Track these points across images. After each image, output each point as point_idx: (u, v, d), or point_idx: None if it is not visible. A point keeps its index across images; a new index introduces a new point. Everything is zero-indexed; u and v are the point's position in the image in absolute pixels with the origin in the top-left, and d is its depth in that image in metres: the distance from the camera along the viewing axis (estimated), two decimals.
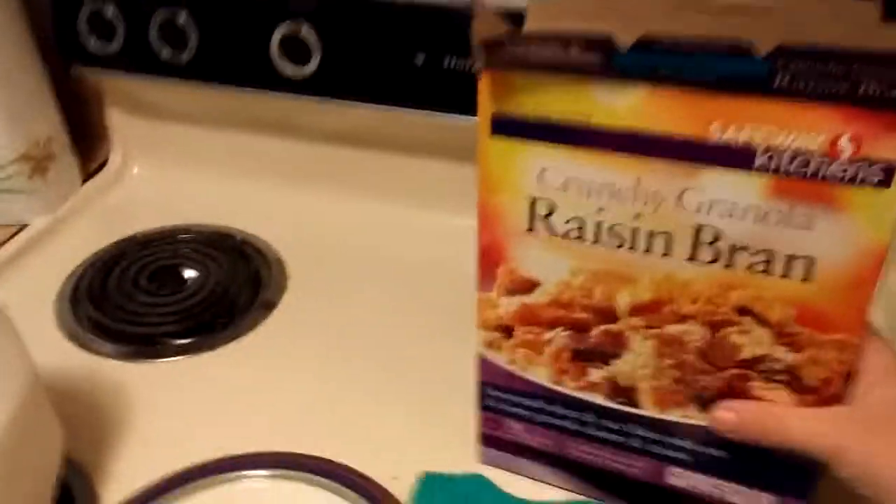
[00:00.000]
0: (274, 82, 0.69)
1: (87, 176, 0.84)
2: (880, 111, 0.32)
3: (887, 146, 0.33)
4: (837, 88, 0.32)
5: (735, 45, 0.32)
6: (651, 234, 0.39)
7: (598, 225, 0.40)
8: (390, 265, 0.71)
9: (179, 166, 0.82)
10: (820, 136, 0.33)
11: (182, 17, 0.69)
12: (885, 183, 0.33)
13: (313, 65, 0.67)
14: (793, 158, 0.34)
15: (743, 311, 0.39)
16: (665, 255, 0.39)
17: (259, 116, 0.76)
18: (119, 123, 0.83)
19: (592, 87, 0.36)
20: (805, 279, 0.37)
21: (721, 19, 0.32)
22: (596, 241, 0.40)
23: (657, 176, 0.37)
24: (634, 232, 0.39)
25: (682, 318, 0.41)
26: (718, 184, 0.36)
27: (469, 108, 0.67)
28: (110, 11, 0.70)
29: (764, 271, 0.37)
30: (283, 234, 0.74)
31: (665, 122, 0.35)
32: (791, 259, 0.37)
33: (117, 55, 0.73)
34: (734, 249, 0.37)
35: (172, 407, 0.57)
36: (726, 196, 0.36)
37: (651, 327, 0.42)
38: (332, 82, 0.68)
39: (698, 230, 0.38)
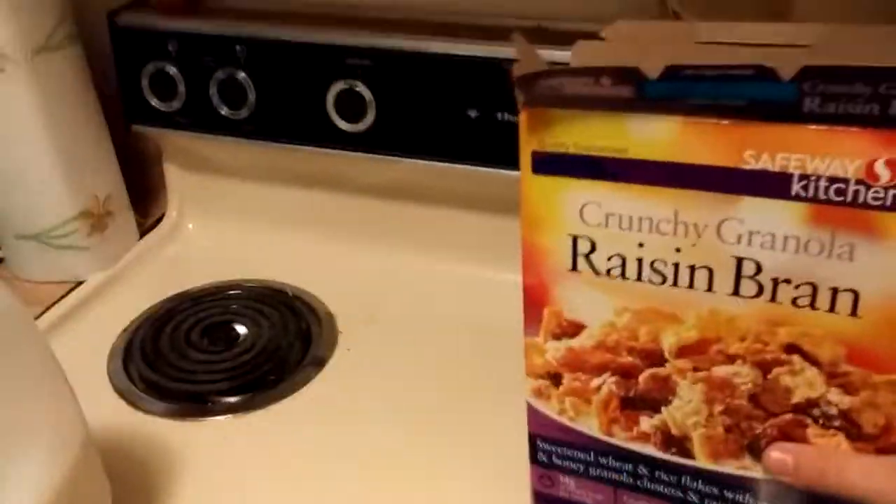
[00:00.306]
0: (329, 138, 0.74)
1: (144, 232, 0.89)
2: None
3: None
4: (868, 110, 0.33)
5: (760, 67, 0.34)
6: (693, 269, 0.40)
7: (640, 261, 0.42)
8: (439, 322, 0.74)
9: (233, 221, 0.87)
10: (855, 161, 0.35)
11: (241, 76, 0.74)
12: None
13: (368, 120, 0.71)
14: (829, 185, 0.36)
15: (791, 348, 0.40)
16: (708, 290, 0.41)
17: (312, 171, 0.81)
18: (175, 180, 0.89)
19: (627, 119, 0.39)
20: (852, 313, 0.38)
21: (748, 49, 0.34)
22: (638, 278, 0.42)
23: (695, 207, 0.39)
24: (676, 267, 0.41)
25: (731, 359, 0.42)
26: (757, 213, 0.38)
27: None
28: (172, 70, 0.77)
29: (809, 305, 0.39)
30: (334, 289, 0.78)
31: (700, 152, 0.38)
32: (835, 292, 0.38)
33: (178, 113, 0.79)
34: (777, 282, 0.39)
35: (222, 468, 0.60)
36: (765, 226, 0.38)
37: (699, 369, 0.43)
38: (385, 137, 0.72)
39: (739, 262, 0.39)
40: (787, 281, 0.39)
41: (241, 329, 0.73)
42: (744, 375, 0.42)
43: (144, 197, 0.92)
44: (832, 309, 0.38)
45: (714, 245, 0.39)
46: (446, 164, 0.72)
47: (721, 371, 0.42)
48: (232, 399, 0.66)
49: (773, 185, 0.37)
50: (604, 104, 0.39)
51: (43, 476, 0.41)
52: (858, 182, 0.35)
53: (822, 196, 0.36)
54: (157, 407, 0.67)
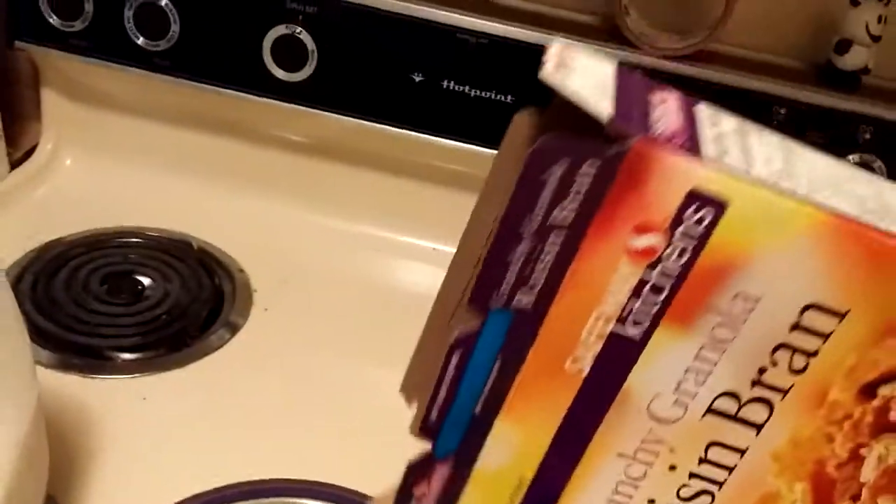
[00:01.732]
0: (260, 85, 0.69)
1: (12, 165, 0.80)
2: None
3: None
4: None
5: None
6: None
7: None
8: (354, 284, 0.71)
9: (125, 162, 0.78)
10: None
11: (164, 2, 0.68)
12: None
13: (307, 71, 0.67)
14: None
15: None
16: None
17: (231, 118, 0.75)
18: (54, 107, 0.80)
19: None
20: None
21: None
22: None
23: None
24: None
25: None
26: None
27: (462, 133, 0.70)
28: None
29: None
30: (245, 245, 0.73)
31: None
32: None
33: (79, 34, 0.70)
34: None
35: (135, 429, 0.55)
36: None
37: None
38: (322, 91, 0.69)
39: None
40: None
41: (146, 281, 0.67)
42: None
43: (13, 124, 0.82)
44: None
45: None
46: (382, 126, 0.69)
47: None
48: (139, 355, 0.61)
49: None
50: None
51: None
52: None
53: None
54: (50, 359, 0.60)
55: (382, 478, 0.51)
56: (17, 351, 0.41)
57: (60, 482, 0.49)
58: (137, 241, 0.71)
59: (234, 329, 0.65)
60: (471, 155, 0.69)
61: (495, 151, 0.31)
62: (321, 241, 0.75)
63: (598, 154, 0.27)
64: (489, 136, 0.66)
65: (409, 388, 0.36)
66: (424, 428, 0.30)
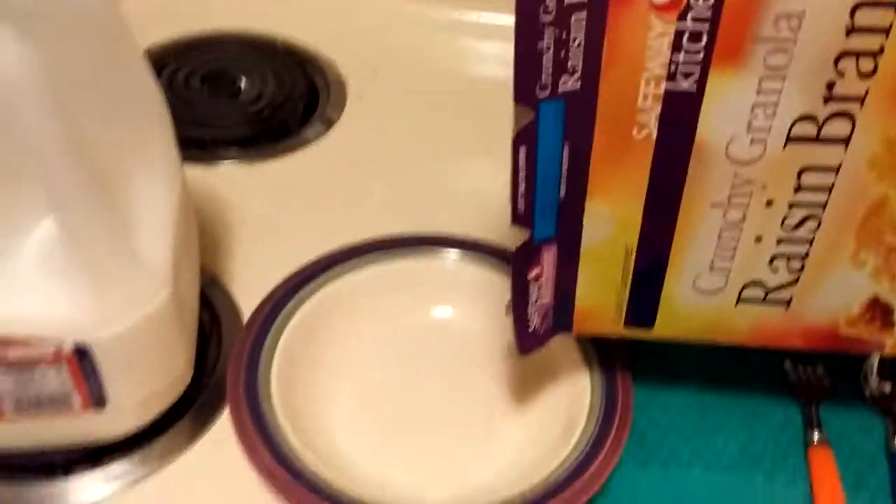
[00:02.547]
0: None
1: None
2: None
3: None
4: None
5: None
6: None
7: None
8: (451, 76, 0.68)
9: None
10: None
11: None
12: None
13: None
14: None
15: None
16: None
17: None
18: None
19: None
20: None
21: None
22: None
23: None
24: None
25: None
26: None
27: None
28: None
29: None
30: (328, 37, 0.71)
31: None
32: None
33: None
34: None
35: (263, 208, 0.56)
36: None
37: None
38: None
39: None
40: None
41: (242, 80, 0.69)
42: None
43: None
44: None
45: None
46: None
47: None
48: (247, 147, 0.61)
49: None
50: None
51: (165, 195, 0.39)
52: None
53: None
54: None
55: None
56: (162, 132, 0.41)
57: (205, 255, 0.50)
58: (225, 44, 0.72)
59: (331, 121, 0.65)
60: None
61: None
62: (407, 27, 0.72)
63: None
64: None
65: None
66: (516, 218, 0.32)
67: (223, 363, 0.43)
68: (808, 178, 0.31)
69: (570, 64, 0.30)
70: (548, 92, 0.30)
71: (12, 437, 0.36)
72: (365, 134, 0.64)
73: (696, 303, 0.35)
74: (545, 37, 0.29)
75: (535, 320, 0.36)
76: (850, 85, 0.29)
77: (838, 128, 0.30)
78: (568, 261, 0.35)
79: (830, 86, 0.29)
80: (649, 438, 0.40)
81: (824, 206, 0.32)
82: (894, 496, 0.38)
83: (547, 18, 0.28)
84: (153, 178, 0.39)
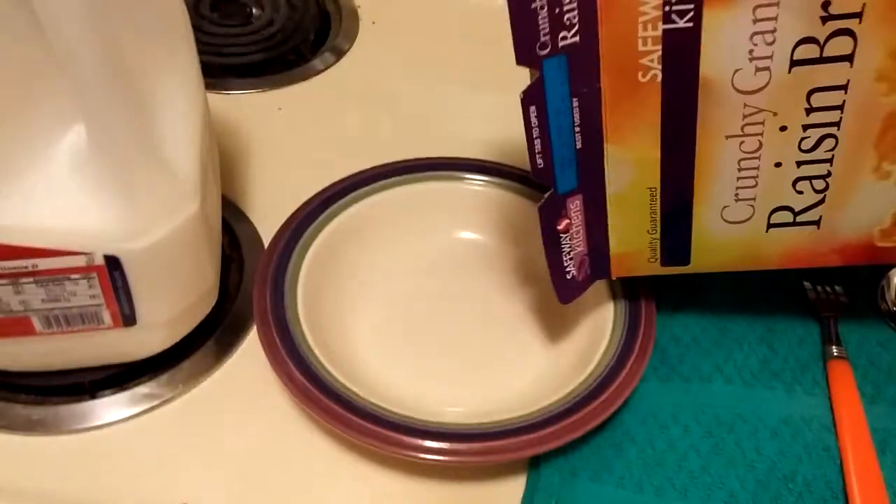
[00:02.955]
0: None
1: None
2: None
3: None
4: None
5: None
6: None
7: None
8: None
9: None
10: None
11: None
12: None
13: None
14: None
15: None
16: None
17: None
18: None
19: None
20: None
21: None
22: None
23: None
24: None
25: None
26: None
27: None
28: None
29: None
30: None
31: None
32: None
33: None
34: None
35: (277, 135, 0.55)
36: None
37: None
38: None
39: None
40: None
41: (254, 6, 0.68)
42: None
43: None
44: None
45: None
46: None
47: None
48: (263, 73, 0.61)
49: None
50: None
51: (191, 111, 0.39)
52: None
53: None
54: None
55: None
56: (188, 48, 0.40)
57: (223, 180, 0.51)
58: None
59: (343, 49, 0.64)
60: None
61: None
62: None
63: None
64: None
65: None
66: (537, 174, 0.33)
67: (246, 286, 0.43)
68: (818, 99, 0.31)
69: (566, 18, 0.30)
70: (548, 50, 0.31)
71: (41, 355, 0.37)
72: (377, 60, 0.63)
73: (728, 234, 0.36)
74: None
75: (572, 270, 0.37)
76: (845, 2, 0.29)
77: (840, 46, 0.30)
78: (595, 210, 0.36)
79: (826, 5, 0.29)
80: (670, 354, 0.40)
81: (838, 123, 0.32)
82: None
83: None
84: (179, 93, 0.38)
